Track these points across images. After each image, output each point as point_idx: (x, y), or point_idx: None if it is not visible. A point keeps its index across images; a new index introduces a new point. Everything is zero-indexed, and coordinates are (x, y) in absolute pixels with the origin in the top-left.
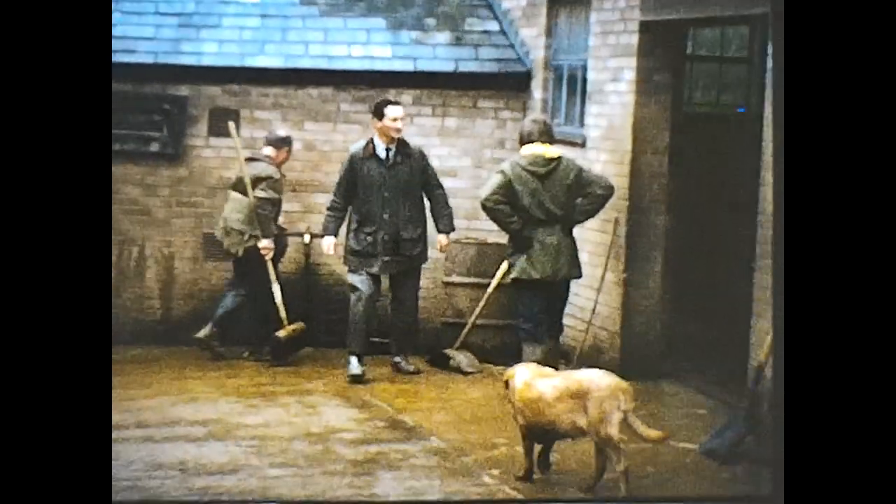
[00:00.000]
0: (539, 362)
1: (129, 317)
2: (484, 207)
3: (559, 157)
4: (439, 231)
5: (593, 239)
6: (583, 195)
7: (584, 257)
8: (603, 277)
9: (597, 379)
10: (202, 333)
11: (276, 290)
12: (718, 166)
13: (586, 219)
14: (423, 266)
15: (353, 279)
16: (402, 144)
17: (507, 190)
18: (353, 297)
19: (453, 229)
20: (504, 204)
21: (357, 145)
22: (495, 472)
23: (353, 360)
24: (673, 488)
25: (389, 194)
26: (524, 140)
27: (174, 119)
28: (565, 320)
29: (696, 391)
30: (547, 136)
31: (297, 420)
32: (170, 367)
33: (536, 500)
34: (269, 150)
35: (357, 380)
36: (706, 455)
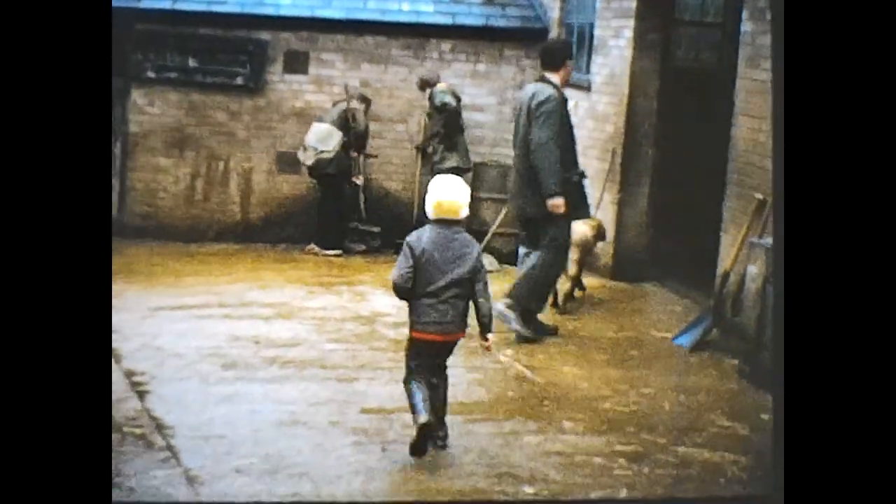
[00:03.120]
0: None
1: (213, 219)
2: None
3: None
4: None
5: (595, 166)
6: None
7: (586, 182)
8: (601, 198)
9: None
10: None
11: (359, 179)
12: (697, 110)
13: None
14: None
15: (560, 234)
16: None
17: None
18: (554, 255)
19: None
20: None
21: (549, 89)
22: (509, 352)
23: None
24: (651, 365)
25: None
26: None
27: (256, 58)
28: None
29: (673, 292)
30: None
31: (349, 305)
32: (246, 260)
33: (539, 500)
34: (354, 103)
35: (540, 335)
36: (679, 344)
